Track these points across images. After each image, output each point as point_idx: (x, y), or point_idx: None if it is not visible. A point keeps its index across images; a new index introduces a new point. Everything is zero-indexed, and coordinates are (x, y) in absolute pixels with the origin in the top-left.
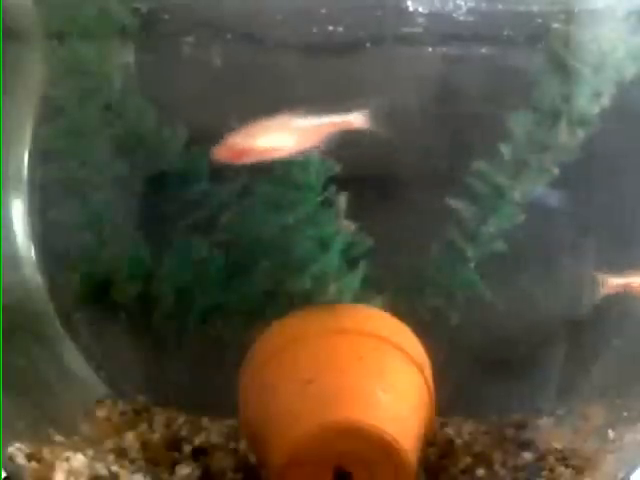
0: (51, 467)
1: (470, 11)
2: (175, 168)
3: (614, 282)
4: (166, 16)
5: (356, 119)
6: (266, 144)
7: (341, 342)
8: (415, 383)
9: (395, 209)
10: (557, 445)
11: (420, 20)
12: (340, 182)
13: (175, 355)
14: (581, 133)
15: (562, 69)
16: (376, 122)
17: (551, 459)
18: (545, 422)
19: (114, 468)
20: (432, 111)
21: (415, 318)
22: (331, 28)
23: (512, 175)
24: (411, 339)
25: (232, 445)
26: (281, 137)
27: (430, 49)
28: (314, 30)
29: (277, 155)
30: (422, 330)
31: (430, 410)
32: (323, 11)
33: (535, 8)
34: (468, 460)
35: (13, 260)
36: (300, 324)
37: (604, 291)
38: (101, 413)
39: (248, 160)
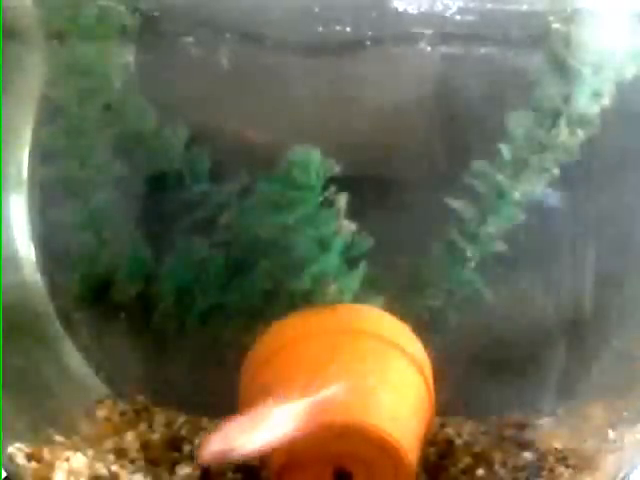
0: (51, 467)
1: (471, 11)
2: (175, 168)
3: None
4: (166, 16)
5: (335, 394)
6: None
7: (341, 342)
8: (415, 383)
9: (395, 209)
10: (557, 445)
11: (419, 20)
12: (340, 182)
13: (175, 355)
14: (581, 133)
15: (562, 69)
16: None
17: (551, 459)
18: (545, 422)
19: (114, 468)
20: (432, 111)
21: (415, 318)
22: (331, 28)
23: (512, 175)
24: (411, 339)
25: None
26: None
27: (429, 49)
28: (314, 30)
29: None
30: (422, 330)
31: (430, 410)
32: (324, 11)
33: (535, 8)
34: (468, 460)
35: (13, 260)
36: (300, 324)
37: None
38: (101, 413)
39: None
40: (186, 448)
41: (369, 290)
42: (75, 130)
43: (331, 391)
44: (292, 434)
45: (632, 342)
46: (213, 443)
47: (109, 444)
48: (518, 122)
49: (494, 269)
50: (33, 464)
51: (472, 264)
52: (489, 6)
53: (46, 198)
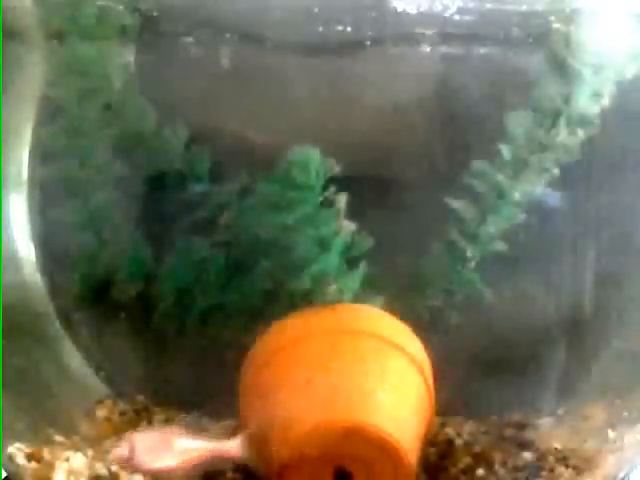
0: (51, 467)
1: (470, 11)
2: (175, 168)
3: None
4: (166, 16)
5: (232, 448)
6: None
7: (341, 342)
8: (415, 383)
9: (395, 209)
10: (557, 445)
11: (419, 21)
12: (340, 182)
13: (175, 355)
14: (581, 133)
15: (562, 69)
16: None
17: (551, 459)
18: (545, 422)
19: (114, 468)
20: (432, 111)
21: (415, 318)
22: (331, 28)
23: (512, 175)
24: (411, 339)
25: None
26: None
27: (429, 49)
28: (314, 30)
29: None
30: (422, 330)
31: (430, 410)
32: (324, 11)
33: (535, 8)
34: (468, 460)
35: (13, 260)
36: (300, 324)
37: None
38: (101, 413)
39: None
40: None
41: (369, 290)
42: (75, 130)
43: (234, 443)
44: (187, 465)
45: (632, 342)
46: (121, 449)
47: (109, 444)
48: (518, 122)
49: (494, 269)
50: (33, 464)
51: (472, 264)
52: (489, 6)
53: (46, 198)
